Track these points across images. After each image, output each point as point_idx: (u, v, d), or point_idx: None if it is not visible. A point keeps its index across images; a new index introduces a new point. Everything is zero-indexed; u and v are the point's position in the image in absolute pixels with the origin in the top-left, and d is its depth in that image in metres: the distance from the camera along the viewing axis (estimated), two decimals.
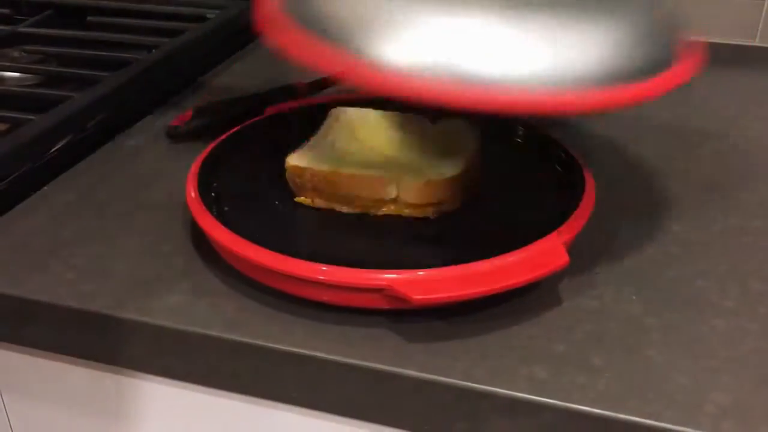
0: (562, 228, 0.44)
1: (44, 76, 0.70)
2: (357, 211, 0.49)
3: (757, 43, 0.84)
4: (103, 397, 0.49)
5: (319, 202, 0.49)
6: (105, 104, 0.62)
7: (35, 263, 0.46)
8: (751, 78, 0.75)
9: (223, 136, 0.55)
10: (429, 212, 0.48)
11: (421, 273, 0.40)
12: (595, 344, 0.40)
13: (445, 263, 0.41)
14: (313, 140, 0.52)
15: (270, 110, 0.60)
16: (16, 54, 0.75)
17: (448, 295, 0.40)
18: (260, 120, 0.58)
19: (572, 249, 0.46)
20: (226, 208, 0.49)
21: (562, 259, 0.42)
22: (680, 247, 0.48)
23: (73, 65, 0.72)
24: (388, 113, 0.55)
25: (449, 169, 0.48)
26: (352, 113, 0.55)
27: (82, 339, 0.44)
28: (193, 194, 0.47)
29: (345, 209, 0.49)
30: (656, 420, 0.36)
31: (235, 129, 0.56)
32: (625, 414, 0.36)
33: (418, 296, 0.39)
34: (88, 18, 0.84)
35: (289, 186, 0.50)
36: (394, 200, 0.48)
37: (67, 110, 0.59)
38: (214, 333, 0.41)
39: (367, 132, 0.53)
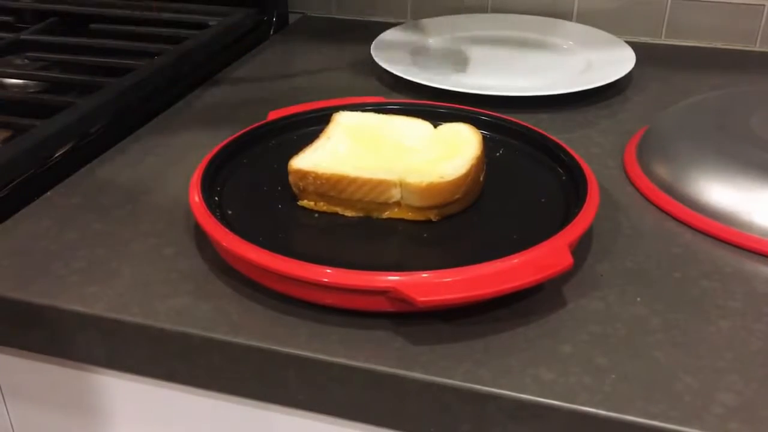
0: (566, 230, 0.44)
1: (47, 83, 0.71)
2: (360, 214, 0.49)
3: (757, 48, 0.84)
4: (106, 401, 0.49)
5: (322, 206, 0.49)
6: (108, 110, 0.62)
7: (39, 267, 0.46)
8: (752, 83, 0.75)
9: (227, 140, 0.55)
10: (432, 215, 0.48)
11: (425, 275, 0.40)
12: (600, 345, 0.40)
13: (450, 265, 0.41)
14: (315, 144, 0.52)
15: (273, 114, 0.60)
16: (19, 61, 0.76)
17: (453, 297, 0.40)
18: (263, 124, 0.58)
19: (576, 251, 0.46)
20: (229, 212, 0.49)
21: (566, 260, 0.41)
22: (684, 248, 0.48)
23: (76, 72, 0.73)
24: (391, 117, 0.55)
25: (451, 172, 0.48)
26: (355, 117, 0.55)
27: (86, 342, 0.44)
28: (197, 198, 0.47)
29: (348, 213, 0.49)
30: (663, 421, 0.36)
31: (238, 133, 0.56)
32: (632, 415, 0.36)
33: (423, 298, 0.39)
34: (91, 26, 0.84)
35: (293, 189, 0.50)
36: (397, 203, 0.48)
37: (70, 116, 0.59)
38: (218, 336, 0.41)
39: (370, 135, 0.53)
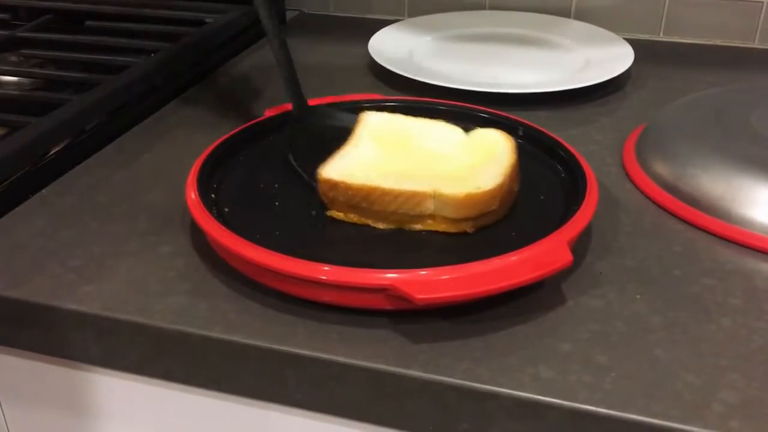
0: (566, 227, 0.44)
1: (43, 80, 0.70)
2: (392, 227, 0.47)
3: (756, 45, 0.84)
4: (102, 400, 0.48)
5: (353, 218, 0.47)
6: (103, 107, 0.62)
7: (34, 265, 0.46)
8: (751, 80, 0.75)
9: (223, 138, 0.54)
10: (468, 227, 0.46)
11: (423, 272, 0.40)
12: (600, 343, 0.40)
13: (448, 263, 0.40)
14: (343, 150, 0.50)
15: (269, 112, 0.59)
16: (14, 58, 0.75)
17: (451, 295, 0.39)
18: (260, 122, 0.58)
19: (575, 248, 0.45)
20: (226, 210, 0.48)
21: (566, 258, 0.41)
22: (684, 245, 0.48)
23: (71, 69, 0.72)
24: (419, 120, 0.53)
25: (488, 181, 0.45)
26: (382, 119, 0.53)
27: (82, 341, 0.44)
28: (193, 196, 0.47)
29: (380, 225, 0.47)
30: (664, 419, 0.35)
31: (235, 131, 0.56)
32: (632, 413, 0.36)
33: (421, 296, 0.39)
34: (87, 23, 0.83)
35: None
36: (431, 215, 0.46)
37: (66, 113, 0.58)
38: (215, 335, 0.41)
39: (399, 140, 0.51)
